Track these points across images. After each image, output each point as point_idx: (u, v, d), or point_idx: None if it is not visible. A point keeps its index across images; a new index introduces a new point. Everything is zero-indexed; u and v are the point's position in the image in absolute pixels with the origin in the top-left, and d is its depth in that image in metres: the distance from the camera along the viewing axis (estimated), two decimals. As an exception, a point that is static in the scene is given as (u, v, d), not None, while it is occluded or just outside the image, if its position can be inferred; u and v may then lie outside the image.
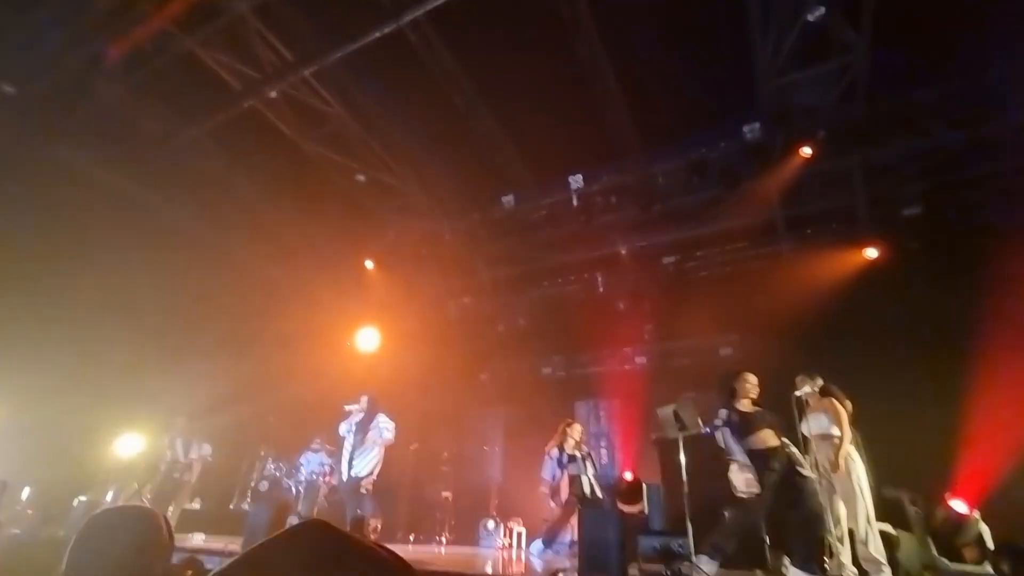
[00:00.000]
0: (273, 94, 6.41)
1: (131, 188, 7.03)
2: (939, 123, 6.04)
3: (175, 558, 1.26)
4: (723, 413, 4.16)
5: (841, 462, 3.98)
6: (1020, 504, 4.54)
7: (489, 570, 4.32)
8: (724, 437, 4.07)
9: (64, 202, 6.60)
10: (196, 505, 7.68)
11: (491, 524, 7.67)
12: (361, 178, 7.78)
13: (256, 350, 8.52)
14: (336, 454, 6.54)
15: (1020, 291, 5.38)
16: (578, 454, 5.89)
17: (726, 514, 3.86)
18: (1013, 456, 4.84)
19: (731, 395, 4.23)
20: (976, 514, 4.29)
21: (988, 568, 3.72)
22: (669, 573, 2.79)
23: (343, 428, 5.79)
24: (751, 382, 4.26)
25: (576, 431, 6.07)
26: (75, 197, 6.64)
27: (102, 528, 1.08)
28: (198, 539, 5.88)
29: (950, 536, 4.17)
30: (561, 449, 5.91)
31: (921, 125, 6.11)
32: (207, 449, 6.79)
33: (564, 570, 3.48)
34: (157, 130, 6.89)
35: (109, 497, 6.35)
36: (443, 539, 7.78)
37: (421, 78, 6.33)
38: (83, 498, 5.99)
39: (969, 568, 4.04)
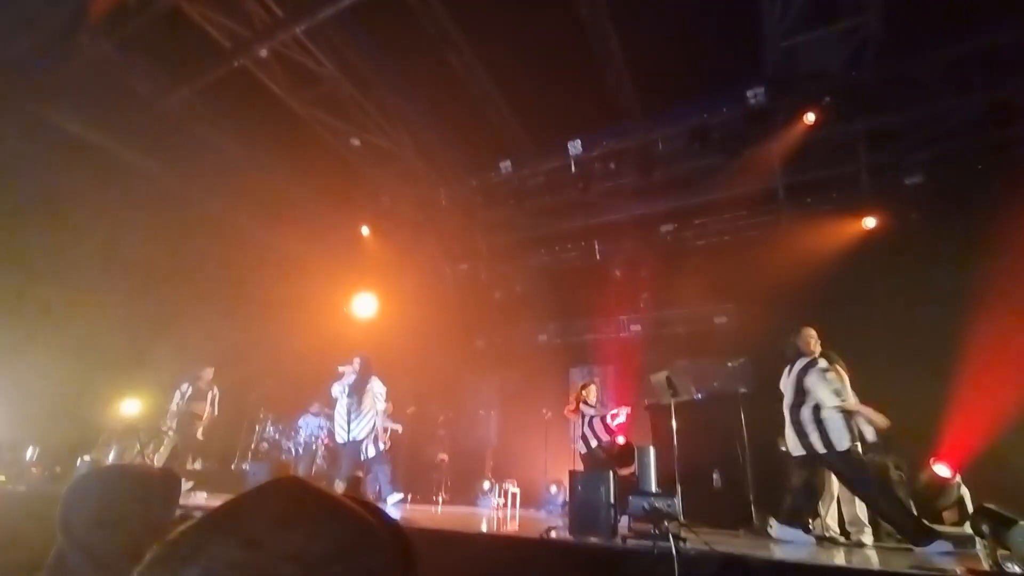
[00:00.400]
0: (264, 53, 6.20)
1: (121, 150, 6.90)
2: (948, 89, 5.90)
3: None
4: (823, 362, 4.05)
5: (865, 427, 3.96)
6: (1002, 469, 4.68)
7: (484, 528, 4.45)
8: (826, 381, 3.96)
9: (53, 164, 6.49)
10: (198, 465, 7.85)
11: (487, 485, 7.87)
12: (355, 142, 7.63)
13: (253, 314, 8.56)
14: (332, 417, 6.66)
15: (1016, 266, 5.38)
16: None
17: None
18: (997, 424, 4.96)
19: (796, 351, 4.16)
20: (958, 478, 4.41)
21: (967, 529, 3.85)
22: (657, 532, 2.88)
23: (336, 389, 5.86)
24: (813, 336, 4.19)
25: (592, 393, 6.14)
26: (64, 159, 6.53)
27: (82, 487, 1.10)
28: (200, 497, 6.03)
29: (931, 499, 4.30)
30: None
31: (929, 91, 5.96)
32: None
33: (556, 528, 3.59)
34: (146, 90, 6.70)
35: (111, 457, 6.48)
36: (439, 500, 7.99)
37: (417, 38, 6.13)
38: (87, 458, 6.12)
39: (948, 529, 4.18)
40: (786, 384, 4.19)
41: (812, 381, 4.00)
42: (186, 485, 6.29)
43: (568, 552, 3.21)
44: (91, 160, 6.70)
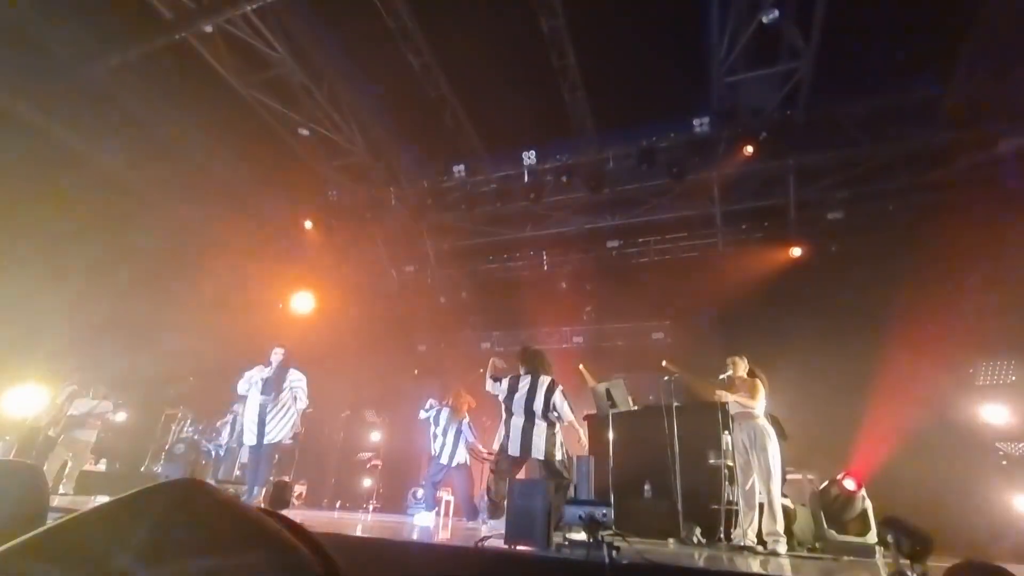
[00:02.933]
0: (209, 28, 5.87)
1: (34, 116, 6.26)
2: (868, 136, 6.48)
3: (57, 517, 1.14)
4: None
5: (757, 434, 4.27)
6: (901, 483, 5.14)
7: (414, 537, 4.33)
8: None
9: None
10: (101, 467, 7.18)
11: (420, 492, 7.69)
12: (304, 132, 7.34)
13: (180, 304, 7.96)
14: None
15: (922, 299, 5.95)
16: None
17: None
18: (899, 442, 5.46)
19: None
20: (863, 492, 4.77)
21: (869, 539, 4.18)
22: (592, 540, 2.91)
23: (242, 386, 5.11)
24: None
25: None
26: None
27: None
28: (100, 501, 5.49)
29: (839, 511, 4.63)
30: None
31: (851, 136, 6.52)
32: (106, 406, 6.30)
33: (490, 537, 3.55)
34: (69, 54, 6.14)
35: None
36: (370, 506, 7.73)
37: (376, 34, 6.01)
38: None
39: (852, 539, 4.51)
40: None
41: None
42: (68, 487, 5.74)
43: (503, 561, 3.18)
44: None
